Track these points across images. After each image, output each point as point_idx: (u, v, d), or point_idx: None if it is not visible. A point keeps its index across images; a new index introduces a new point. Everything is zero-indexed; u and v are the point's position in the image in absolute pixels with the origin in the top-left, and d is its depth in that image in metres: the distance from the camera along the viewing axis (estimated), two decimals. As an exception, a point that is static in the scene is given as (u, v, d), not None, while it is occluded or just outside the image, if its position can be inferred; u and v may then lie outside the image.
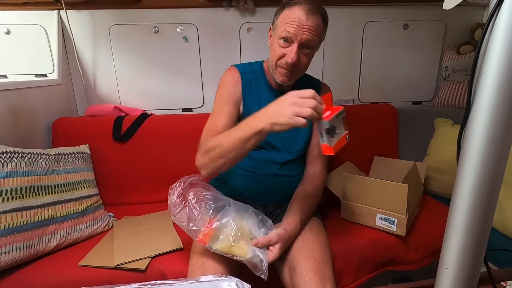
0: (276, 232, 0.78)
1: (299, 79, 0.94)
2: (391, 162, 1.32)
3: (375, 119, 1.47)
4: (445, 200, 1.24)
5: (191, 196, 0.75)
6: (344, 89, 1.66)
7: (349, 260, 0.94)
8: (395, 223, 0.96)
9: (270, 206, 0.99)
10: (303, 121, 0.59)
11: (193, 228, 0.73)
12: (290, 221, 0.83)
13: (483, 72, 0.33)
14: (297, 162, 0.99)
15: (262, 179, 0.95)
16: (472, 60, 1.34)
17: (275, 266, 0.85)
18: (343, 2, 1.53)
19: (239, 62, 1.02)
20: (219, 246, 0.72)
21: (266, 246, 0.77)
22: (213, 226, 0.73)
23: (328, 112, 0.65)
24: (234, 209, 0.77)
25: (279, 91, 0.95)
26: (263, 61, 1.02)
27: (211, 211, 0.74)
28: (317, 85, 1.03)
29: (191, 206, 0.74)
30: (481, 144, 0.33)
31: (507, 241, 0.98)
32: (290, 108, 0.61)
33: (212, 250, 0.72)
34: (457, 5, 0.70)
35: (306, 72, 0.97)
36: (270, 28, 0.92)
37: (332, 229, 1.01)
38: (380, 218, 0.99)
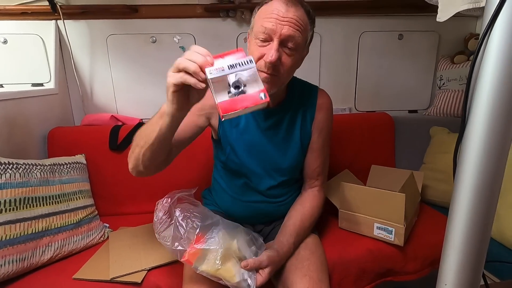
0: (268, 254, 0.74)
1: (291, 87, 0.86)
2: (388, 170, 1.32)
3: (372, 128, 1.48)
4: (442, 209, 1.25)
5: (177, 213, 0.72)
6: (341, 98, 1.68)
7: (347, 272, 0.93)
8: (393, 232, 0.96)
9: (259, 225, 0.97)
10: (186, 77, 0.51)
11: (178, 248, 0.69)
12: (283, 243, 0.80)
13: (478, 87, 0.34)
14: (283, 186, 0.92)
15: (247, 205, 0.92)
16: (466, 70, 1.36)
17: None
18: (339, 12, 1.55)
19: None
20: (205, 267, 0.68)
21: (256, 269, 0.72)
22: (200, 246, 0.69)
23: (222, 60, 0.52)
24: (222, 228, 0.73)
25: (264, 109, 0.82)
26: None
27: (198, 230, 0.70)
28: (313, 92, 0.92)
29: (177, 224, 0.70)
30: (477, 159, 0.33)
31: (505, 250, 0.98)
32: (169, 73, 0.54)
33: (198, 271, 0.68)
34: (450, 17, 0.72)
35: (302, 79, 0.94)
36: (248, 33, 0.81)
37: (330, 239, 1.01)
38: (378, 228, 0.99)
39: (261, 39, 0.71)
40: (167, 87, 0.56)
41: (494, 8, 0.29)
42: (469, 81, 0.34)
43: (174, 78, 0.53)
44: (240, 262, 0.71)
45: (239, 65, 0.52)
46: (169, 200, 0.75)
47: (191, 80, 0.52)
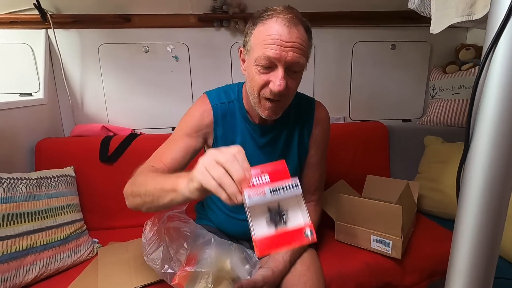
0: (262, 274, 0.71)
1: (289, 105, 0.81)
2: (384, 181, 1.31)
3: (366, 137, 1.48)
4: (438, 219, 1.24)
5: (167, 233, 0.68)
6: (335, 108, 1.67)
7: (344, 287, 0.91)
8: (390, 245, 0.94)
9: None
10: (220, 191, 0.45)
11: (168, 271, 0.64)
12: (279, 261, 0.77)
13: (482, 103, 0.32)
14: None
15: (241, 223, 0.89)
16: (458, 79, 1.36)
17: None
18: (332, 23, 1.56)
19: (231, 82, 0.99)
20: (196, 286, 0.65)
21: None
22: (190, 269, 0.64)
23: (262, 182, 0.44)
24: (214, 247, 0.70)
25: (262, 125, 0.83)
26: (242, 83, 0.85)
27: (188, 251, 0.66)
28: (311, 106, 0.89)
29: (167, 245, 0.66)
30: (482, 181, 0.32)
31: (504, 263, 0.97)
32: (202, 170, 0.47)
33: None
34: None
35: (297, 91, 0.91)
36: (240, 50, 0.76)
37: (326, 252, 0.99)
38: (375, 240, 0.97)
39: (263, 66, 0.67)
40: (193, 179, 0.48)
41: (500, 22, 0.28)
42: (473, 99, 0.33)
43: (205, 182, 0.46)
44: (234, 282, 0.68)
45: (283, 189, 0.44)
46: (158, 220, 0.71)
47: (223, 195, 0.45)
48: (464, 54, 1.57)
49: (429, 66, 1.70)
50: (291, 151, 0.87)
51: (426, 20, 0.75)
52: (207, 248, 0.69)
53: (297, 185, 0.45)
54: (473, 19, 0.61)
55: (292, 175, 0.85)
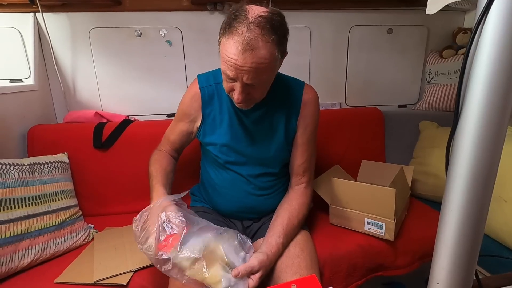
0: (258, 258, 0.72)
1: (275, 82, 0.82)
2: (378, 165, 1.32)
3: (362, 123, 1.48)
4: (432, 203, 1.25)
5: (162, 218, 0.69)
6: (331, 93, 1.66)
7: (338, 268, 0.93)
8: (384, 227, 0.95)
9: (247, 221, 0.96)
10: None
11: (162, 257, 0.65)
12: (272, 244, 0.78)
13: (471, 81, 0.32)
14: (269, 177, 0.92)
15: (235, 198, 0.92)
16: (454, 64, 1.35)
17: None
18: (328, 6, 1.53)
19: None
20: (190, 273, 0.66)
21: (247, 275, 0.70)
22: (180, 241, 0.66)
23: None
24: (209, 233, 0.71)
25: None
26: None
27: (182, 237, 0.67)
28: (299, 87, 0.90)
29: (160, 229, 0.67)
30: (470, 154, 0.32)
31: (493, 244, 0.99)
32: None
33: (185, 279, 0.66)
34: (439, 10, 0.71)
35: (290, 75, 0.92)
36: (219, 44, 0.75)
37: (320, 235, 1.00)
38: (369, 223, 0.98)
39: (226, 76, 0.72)
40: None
41: (486, 1, 0.28)
42: (462, 76, 0.32)
43: None
44: (227, 267, 0.68)
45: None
46: (151, 208, 0.72)
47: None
48: (461, 38, 1.55)
49: (425, 50, 1.68)
50: (278, 129, 0.89)
51: (423, 3, 0.74)
52: (200, 234, 0.70)
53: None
54: (469, -1, 0.60)
55: (279, 151, 0.90)
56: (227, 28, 0.68)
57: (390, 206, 0.92)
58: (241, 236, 0.76)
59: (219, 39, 0.72)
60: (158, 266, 0.67)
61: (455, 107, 0.33)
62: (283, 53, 0.74)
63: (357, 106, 1.70)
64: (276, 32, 0.68)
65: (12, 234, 0.86)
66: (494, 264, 0.92)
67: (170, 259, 0.65)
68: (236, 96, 0.73)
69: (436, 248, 0.37)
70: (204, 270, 0.66)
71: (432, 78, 1.62)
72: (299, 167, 0.92)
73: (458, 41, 1.57)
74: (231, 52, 0.66)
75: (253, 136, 0.89)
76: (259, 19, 0.65)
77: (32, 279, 0.86)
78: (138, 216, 0.72)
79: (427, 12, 0.73)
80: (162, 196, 0.76)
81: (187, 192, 0.82)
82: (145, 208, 0.74)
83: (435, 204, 1.23)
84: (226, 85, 0.75)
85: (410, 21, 1.61)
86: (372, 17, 1.58)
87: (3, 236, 0.84)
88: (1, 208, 0.86)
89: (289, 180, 0.96)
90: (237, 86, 0.71)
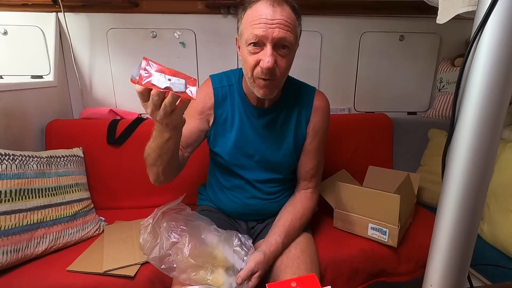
0: (255, 259, 0.74)
1: (286, 87, 0.85)
2: (385, 172, 1.32)
3: (370, 128, 1.48)
4: (438, 211, 1.25)
5: (164, 226, 0.72)
6: (340, 98, 1.67)
7: (340, 271, 0.93)
8: (387, 233, 0.96)
9: (252, 222, 0.98)
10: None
11: (167, 267, 0.69)
12: (271, 243, 0.80)
13: (467, 90, 0.34)
14: (276, 183, 0.93)
15: (241, 201, 0.93)
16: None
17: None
18: (340, 12, 1.54)
19: (236, 68, 1.00)
20: (194, 278, 0.69)
21: (249, 278, 0.73)
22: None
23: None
24: (208, 236, 0.74)
25: (259, 107, 0.87)
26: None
27: (186, 241, 0.71)
28: (310, 93, 0.91)
29: (162, 243, 0.71)
30: (465, 162, 0.33)
31: (498, 254, 0.98)
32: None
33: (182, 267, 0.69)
34: (452, 18, 0.71)
35: (300, 80, 0.93)
36: (236, 38, 0.80)
37: (323, 238, 1.01)
38: (372, 228, 0.99)
39: (253, 45, 0.71)
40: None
41: (485, 11, 0.29)
42: (459, 84, 0.34)
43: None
44: (230, 271, 0.71)
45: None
46: (152, 219, 0.75)
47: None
48: (474, 47, 1.54)
49: (437, 58, 1.67)
50: (288, 136, 0.89)
51: (435, 11, 0.74)
52: (203, 241, 0.72)
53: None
54: (479, 8, 0.61)
55: (287, 158, 0.91)
56: (248, 4, 0.72)
57: (394, 212, 0.92)
58: (242, 236, 0.78)
59: (238, 22, 0.76)
60: (166, 273, 0.71)
61: (451, 116, 0.35)
62: (298, 37, 0.77)
63: (366, 112, 1.70)
64: (297, 12, 0.74)
65: (28, 223, 0.91)
66: (500, 275, 0.91)
67: (176, 266, 0.69)
68: (266, 59, 0.69)
69: (430, 251, 0.38)
70: (208, 276, 0.69)
71: (443, 86, 1.61)
72: (307, 173, 0.93)
73: (471, 50, 1.55)
74: (259, 11, 0.69)
75: (262, 140, 0.89)
76: None
77: (45, 266, 0.90)
78: (142, 229, 0.76)
79: (437, 21, 0.74)
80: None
81: (183, 196, 0.84)
82: (145, 220, 0.77)
83: (441, 213, 1.23)
84: (250, 59, 0.72)
85: (422, 29, 1.61)
86: (384, 24, 1.59)
87: (21, 224, 0.89)
88: (20, 197, 0.91)
89: (296, 184, 0.97)
90: (266, 50, 0.70)
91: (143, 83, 0.54)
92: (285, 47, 0.72)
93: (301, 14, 0.76)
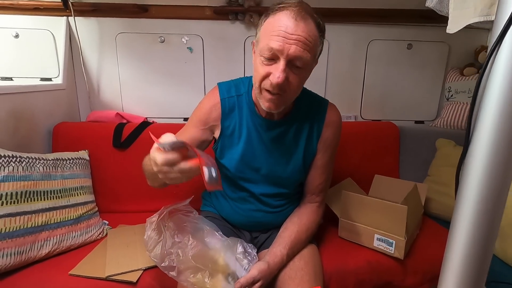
0: (259, 267, 0.72)
1: (298, 99, 0.80)
2: (391, 181, 1.30)
3: (377, 137, 1.46)
4: (446, 223, 1.22)
5: (167, 229, 0.72)
6: (347, 106, 1.66)
7: (345, 283, 0.92)
8: (393, 245, 0.94)
9: (256, 232, 0.96)
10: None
11: (167, 265, 0.69)
12: (275, 254, 0.78)
13: (484, 103, 0.33)
14: (282, 198, 0.91)
15: (245, 213, 0.91)
16: (475, 82, 1.33)
17: None
18: (348, 20, 1.54)
19: (243, 75, 1.00)
20: (193, 280, 0.68)
21: (250, 286, 0.71)
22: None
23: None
24: (212, 242, 0.73)
25: (268, 119, 0.82)
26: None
27: (189, 242, 0.71)
28: (323, 107, 0.87)
29: (165, 241, 0.71)
30: (480, 178, 0.32)
31: (508, 270, 0.96)
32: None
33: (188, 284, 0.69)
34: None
35: (306, 87, 0.89)
36: (253, 43, 0.75)
37: (328, 248, 1.00)
38: (378, 239, 0.97)
39: (266, 57, 0.67)
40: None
41: (504, 23, 0.28)
42: (475, 97, 0.33)
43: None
44: (230, 278, 0.70)
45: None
46: (158, 217, 0.74)
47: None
48: (484, 56, 1.52)
49: (446, 67, 1.66)
50: (297, 150, 0.86)
51: (444, 20, 0.74)
52: (205, 245, 0.72)
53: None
54: (492, 19, 0.60)
55: (296, 173, 0.89)
56: (272, 12, 0.68)
57: (401, 224, 0.91)
58: (246, 245, 0.77)
59: (257, 28, 0.71)
60: (165, 272, 0.70)
61: (466, 130, 0.34)
62: (317, 55, 0.73)
63: (372, 120, 1.69)
64: (321, 30, 0.69)
65: (33, 225, 0.91)
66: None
67: (176, 266, 0.68)
68: (277, 74, 0.65)
69: (442, 269, 0.37)
70: (206, 280, 0.68)
71: (452, 95, 1.60)
72: (316, 188, 0.90)
73: (480, 59, 1.54)
74: (280, 22, 0.64)
75: (270, 154, 0.86)
76: (302, 2, 0.67)
77: (48, 269, 0.90)
78: (147, 225, 0.76)
79: (447, 31, 0.73)
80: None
81: (191, 198, 0.82)
82: (152, 217, 0.77)
83: (449, 224, 1.20)
84: (261, 69, 0.68)
85: (430, 37, 1.60)
86: (391, 32, 1.58)
87: (25, 226, 0.89)
88: (25, 199, 0.91)
89: (302, 196, 0.95)
90: (279, 64, 0.65)
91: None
92: (299, 66, 0.67)
93: (325, 31, 0.71)
